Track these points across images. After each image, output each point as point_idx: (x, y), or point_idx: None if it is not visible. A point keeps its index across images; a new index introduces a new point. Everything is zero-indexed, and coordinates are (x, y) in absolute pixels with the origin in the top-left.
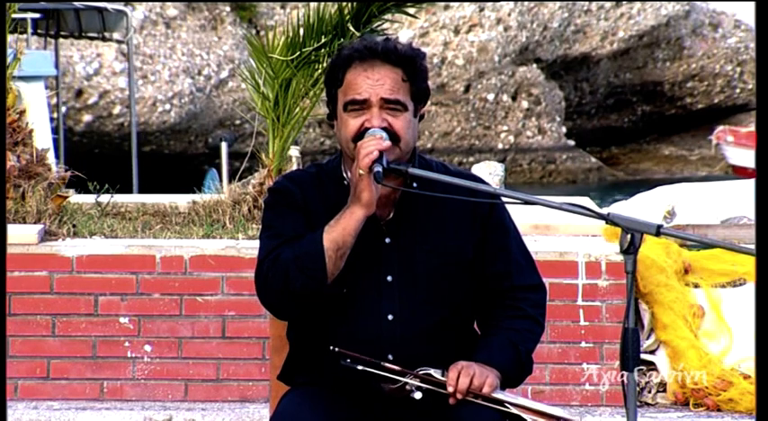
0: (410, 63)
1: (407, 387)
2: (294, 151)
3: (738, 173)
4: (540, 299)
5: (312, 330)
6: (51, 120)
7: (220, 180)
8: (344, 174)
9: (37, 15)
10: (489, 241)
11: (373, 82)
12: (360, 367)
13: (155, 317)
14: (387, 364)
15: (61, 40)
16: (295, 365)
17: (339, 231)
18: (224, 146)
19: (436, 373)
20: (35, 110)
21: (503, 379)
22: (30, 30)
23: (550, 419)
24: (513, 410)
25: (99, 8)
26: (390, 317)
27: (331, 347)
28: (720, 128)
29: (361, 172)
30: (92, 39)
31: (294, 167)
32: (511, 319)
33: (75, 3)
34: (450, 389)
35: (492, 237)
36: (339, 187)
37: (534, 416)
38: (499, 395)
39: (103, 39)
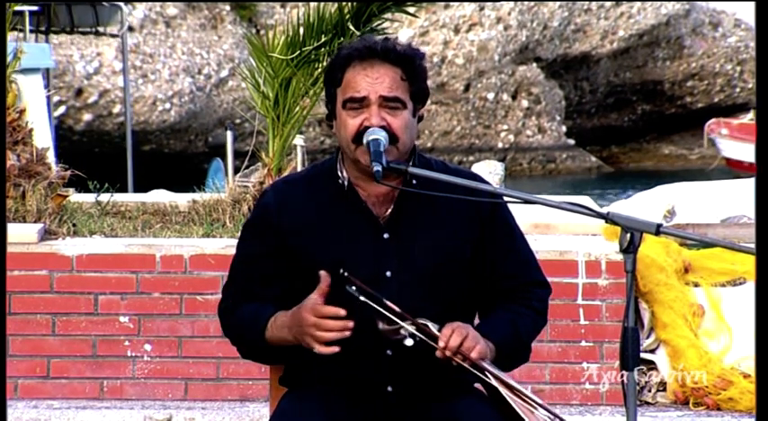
0: (409, 62)
1: (402, 331)
2: (299, 140)
3: (733, 166)
4: (545, 295)
5: None
6: (51, 118)
7: (225, 172)
8: (339, 173)
9: (35, 8)
10: (496, 242)
11: (372, 80)
12: (362, 298)
13: (155, 316)
14: (388, 303)
15: (60, 39)
16: (296, 367)
17: (276, 337)
18: (229, 134)
19: (433, 327)
20: (34, 104)
21: (497, 354)
22: (28, 26)
23: (525, 401)
24: (492, 382)
25: (92, 2)
26: None
27: (341, 271)
28: (713, 120)
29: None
30: (84, 34)
31: (299, 157)
32: (516, 306)
33: None
34: (441, 344)
35: (498, 238)
36: (334, 186)
37: (511, 395)
38: (485, 364)
39: (97, 33)
